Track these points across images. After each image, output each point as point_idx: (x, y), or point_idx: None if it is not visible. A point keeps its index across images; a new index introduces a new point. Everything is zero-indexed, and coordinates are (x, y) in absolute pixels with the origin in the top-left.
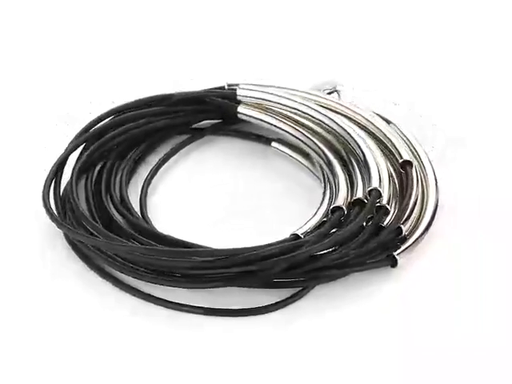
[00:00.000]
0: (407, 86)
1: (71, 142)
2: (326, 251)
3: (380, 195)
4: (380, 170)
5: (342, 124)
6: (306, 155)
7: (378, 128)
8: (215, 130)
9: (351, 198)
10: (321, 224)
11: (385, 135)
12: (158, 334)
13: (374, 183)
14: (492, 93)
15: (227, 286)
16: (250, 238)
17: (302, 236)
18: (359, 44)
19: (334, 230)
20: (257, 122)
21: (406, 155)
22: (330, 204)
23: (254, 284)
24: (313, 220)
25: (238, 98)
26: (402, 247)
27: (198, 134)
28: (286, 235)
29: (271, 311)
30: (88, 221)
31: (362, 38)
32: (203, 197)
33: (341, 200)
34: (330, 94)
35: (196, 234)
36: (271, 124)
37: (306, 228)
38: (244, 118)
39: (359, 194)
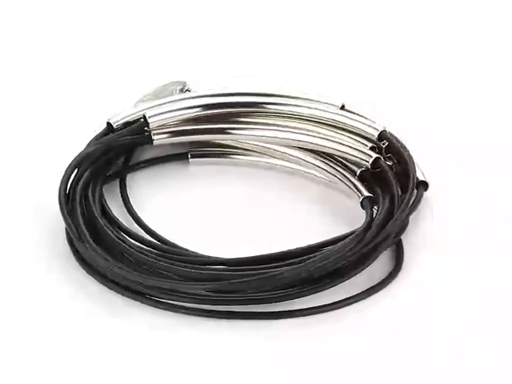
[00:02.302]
0: None
1: None
2: None
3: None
4: None
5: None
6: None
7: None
8: (129, 168)
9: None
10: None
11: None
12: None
13: (379, 127)
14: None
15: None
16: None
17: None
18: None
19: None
20: (176, 140)
21: (340, 103)
22: (347, 167)
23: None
24: (358, 184)
25: (151, 125)
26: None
27: (122, 178)
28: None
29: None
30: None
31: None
32: (192, 224)
33: (373, 153)
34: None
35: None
36: (194, 135)
37: (364, 191)
38: (161, 142)
39: (368, 144)
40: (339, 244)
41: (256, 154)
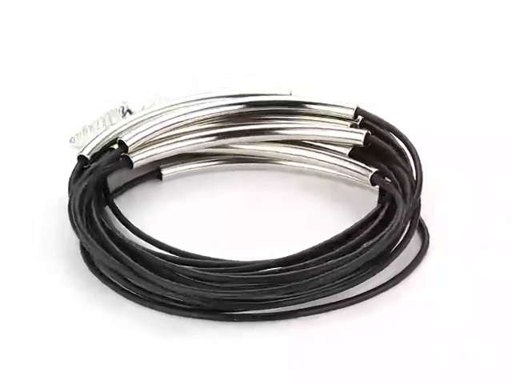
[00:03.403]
0: None
1: None
2: None
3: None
4: None
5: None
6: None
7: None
8: (111, 194)
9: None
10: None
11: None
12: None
13: (353, 105)
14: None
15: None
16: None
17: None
18: None
19: None
20: (154, 158)
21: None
22: (337, 151)
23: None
24: (359, 163)
25: (130, 148)
26: None
27: (111, 205)
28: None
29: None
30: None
31: None
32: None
33: (360, 130)
34: (124, 114)
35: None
36: (172, 149)
37: (370, 168)
38: (140, 163)
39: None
40: (394, 222)
41: (237, 157)
